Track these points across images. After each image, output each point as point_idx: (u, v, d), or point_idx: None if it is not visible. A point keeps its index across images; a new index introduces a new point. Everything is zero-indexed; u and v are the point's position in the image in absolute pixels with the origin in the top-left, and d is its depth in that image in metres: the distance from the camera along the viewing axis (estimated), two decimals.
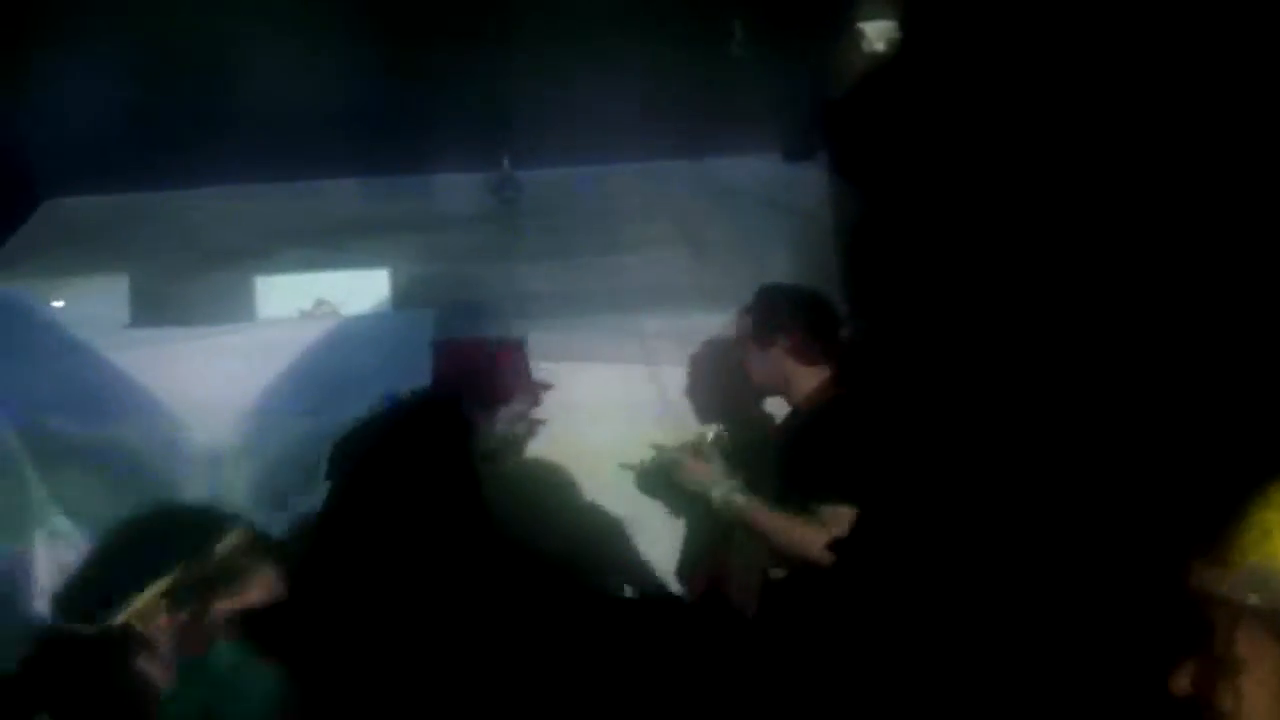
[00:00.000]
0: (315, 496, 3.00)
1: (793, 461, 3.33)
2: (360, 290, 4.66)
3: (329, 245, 4.81)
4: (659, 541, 4.11)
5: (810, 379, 3.46)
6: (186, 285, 4.77)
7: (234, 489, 3.83)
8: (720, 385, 4.16)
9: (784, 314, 3.47)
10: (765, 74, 4.25)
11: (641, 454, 3.81)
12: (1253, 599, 1.12)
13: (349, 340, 4.21)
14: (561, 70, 4.16)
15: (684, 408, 4.39)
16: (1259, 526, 1.17)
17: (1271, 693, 1.12)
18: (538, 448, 3.95)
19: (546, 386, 3.57)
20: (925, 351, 3.80)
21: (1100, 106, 3.03)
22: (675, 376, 4.54)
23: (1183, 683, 1.20)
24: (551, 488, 3.92)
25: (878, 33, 3.58)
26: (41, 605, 3.17)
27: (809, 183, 4.86)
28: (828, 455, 3.20)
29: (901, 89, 3.98)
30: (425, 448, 2.96)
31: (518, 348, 3.49)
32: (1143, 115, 2.91)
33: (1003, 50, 3.33)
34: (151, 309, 4.67)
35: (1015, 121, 3.38)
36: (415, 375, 3.62)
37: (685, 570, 3.94)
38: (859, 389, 3.44)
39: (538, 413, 3.68)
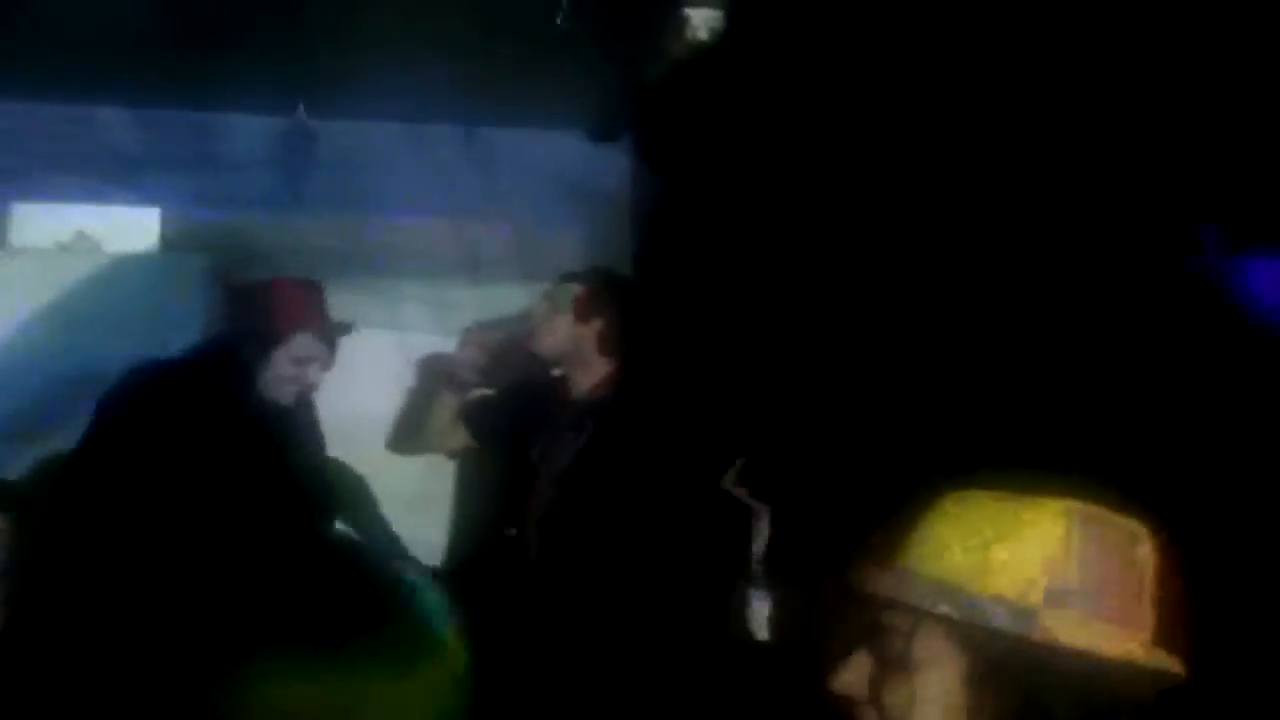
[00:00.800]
0: (65, 436, 2.92)
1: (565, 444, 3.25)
2: (127, 228, 4.36)
3: (96, 176, 4.54)
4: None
5: (603, 368, 3.38)
6: None
7: None
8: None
9: (610, 298, 3.39)
10: (581, 49, 4.18)
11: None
12: (943, 609, 1.18)
13: (111, 280, 4.01)
14: (369, 17, 4.01)
15: None
16: (936, 540, 1.23)
17: (946, 691, 1.19)
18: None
19: (345, 328, 3.25)
20: (713, 347, 3.82)
21: (931, 106, 2.97)
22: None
23: (846, 680, 1.25)
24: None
25: (703, 20, 3.50)
26: None
27: (611, 165, 4.75)
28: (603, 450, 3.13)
29: (718, 81, 3.96)
30: (184, 399, 2.88)
31: (309, 284, 3.20)
32: (968, 109, 2.87)
33: (828, 50, 3.28)
34: None
35: (832, 126, 3.37)
36: (183, 323, 3.44)
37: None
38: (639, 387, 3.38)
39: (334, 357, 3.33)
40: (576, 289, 3.35)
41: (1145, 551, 1.22)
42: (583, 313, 3.35)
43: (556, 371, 3.45)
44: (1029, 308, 2.62)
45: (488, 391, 3.62)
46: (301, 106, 4.42)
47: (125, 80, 4.36)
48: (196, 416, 2.90)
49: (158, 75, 4.31)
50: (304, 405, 3.23)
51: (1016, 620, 1.17)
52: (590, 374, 3.38)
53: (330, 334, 3.16)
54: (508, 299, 4.40)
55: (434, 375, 3.57)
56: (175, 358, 3.04)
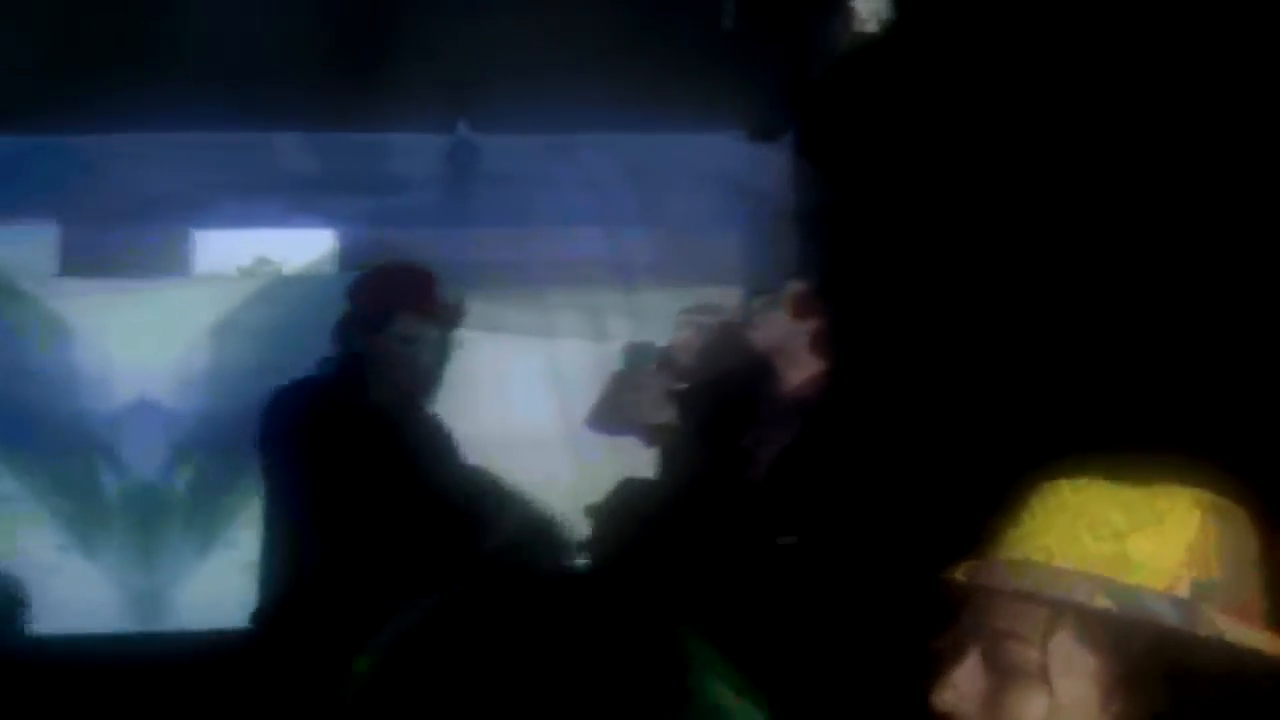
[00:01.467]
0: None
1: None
2: (304, 250, 4.43)
3: (273, 201, 4.60)
4: None
5: (813, 366, 3.39)
6: (120, 236, 4.53)
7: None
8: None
9: (825, 299, 3.41)
10: (742, 47, 4.10)
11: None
12: (1103, 602, 1.05)
13: (293, 301, 4.06)
14: (525, 34, 4.01)
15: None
16: (1062, 530, 1.10)
17: (1083, 700, 1.05)
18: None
19: (456, 311, 3.21)
20: (893, 350, 3.61)
21: (1099, 112, 2.93)
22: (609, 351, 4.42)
23: (953, 697, 1.10)
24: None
25: (870, 11, 3.43)
26: None
27: (773, 164, 4.72)
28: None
29: (885, 73, 3.77)
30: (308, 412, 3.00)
31: (412, 268, 3.20)
32: (1145, 115, 2.79)
33: (998, 41, 3.18)
34: (82, 259, 4.42)
35: (1002, 122, 3.23)
36: None
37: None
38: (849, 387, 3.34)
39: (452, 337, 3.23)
40: (796, 286, 3.37)
41: (1261, 539, 1.13)
42: (799, 311, 3.36)
43: (768, 365, 3.44)
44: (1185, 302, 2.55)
45: (698, 378, 3.63)
46: (463, 123, 4.45)
47: (294, 106, 4.45)
48: (320, 427, 2.96)
49: (325, 100, 4.39)
50: (424, 409, 3.23)
51: (1181, 614, 1.05)
52: (800, 371, 3.39)
53: (439, 316, 3.15)
54: (659, 305, 4.48)
55: (645, 357, 3.58)
56: (305, 376, 3.12)
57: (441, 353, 3.16)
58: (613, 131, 4.83)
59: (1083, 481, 1.14)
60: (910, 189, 3.68)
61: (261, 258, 4.39)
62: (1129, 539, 1.09)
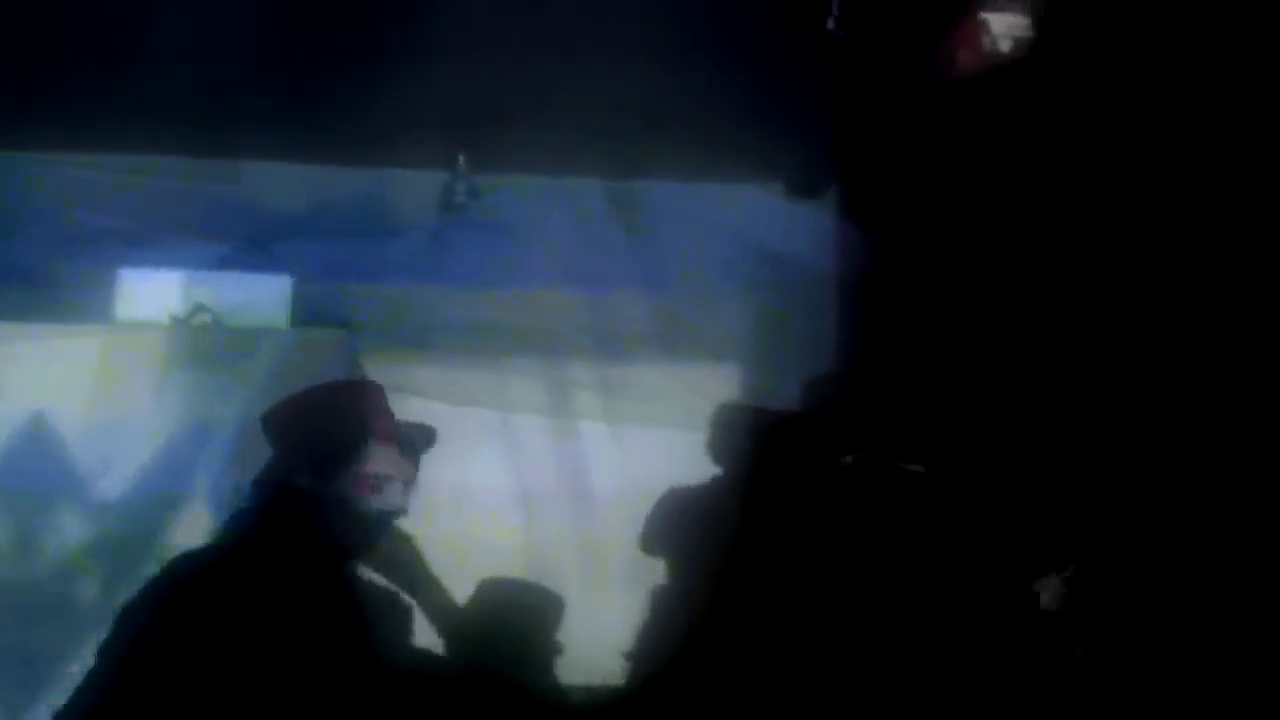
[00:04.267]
0: None
1: None
2: (252, 300, 3.79)
3: (218, 240, 4.03)
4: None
5: None
6: (36, 273, 3.99)
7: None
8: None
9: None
10: (774, 92, 3.69)
11: None
12: None
13: (232, 359, 3.49)
14: (532, 62, 3.55)
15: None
16: None
17: None
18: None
19: (421, 438, 2.59)
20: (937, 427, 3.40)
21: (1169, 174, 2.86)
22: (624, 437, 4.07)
23: None
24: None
25: (1006, 27, 2.81)
26: None
27: (813, 223, 4.26)
28: None
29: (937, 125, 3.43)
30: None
31: (371, 389, 2.58)
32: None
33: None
34: None
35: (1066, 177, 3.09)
36: None
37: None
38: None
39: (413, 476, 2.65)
40: None
41: None
42: None
43: None
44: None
45: None
46: (462, 159, 3.83)
47: (251, 131, 3.89)
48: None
49: (294, 125, 3.85)
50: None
51: None
52: None
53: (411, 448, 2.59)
54: (640, 378, 4.15)
55: None
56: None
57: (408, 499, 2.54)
58: (625, 179, 4.33)
59: None
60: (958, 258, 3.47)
61: (199, 304, 3.73)
62: None
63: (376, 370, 3.87)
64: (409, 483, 2.53)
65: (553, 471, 4.04)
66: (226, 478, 3.31)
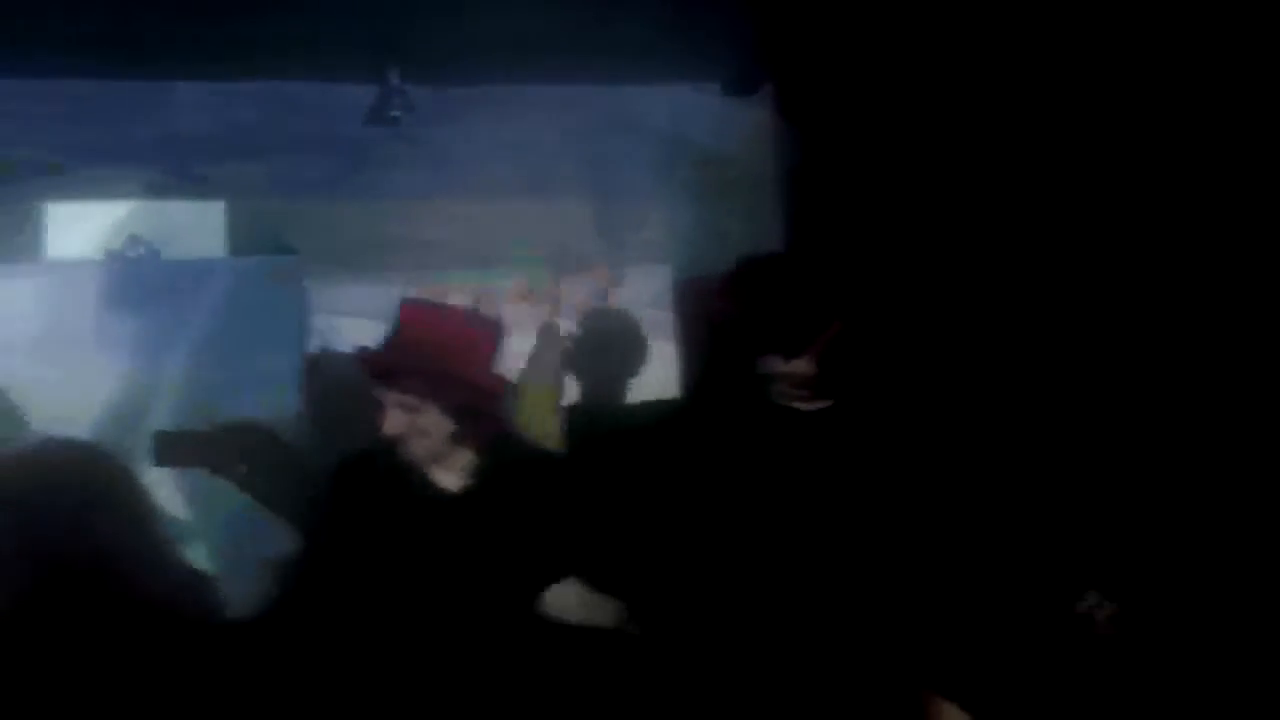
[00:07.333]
0: None
1: None
2: (188, 228, 3.71)
3: (148, 166, 3.93)
4: None
5: None
6: None
7: None
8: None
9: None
10: None
11: None
12: None
13: (174, 292, 3.41)
14: None
15: None
16: None
17: None
18: None
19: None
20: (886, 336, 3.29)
21: (1086, 69, 2.99)
22: None
23: None
24: None
25: None
26: None
27: (748, 122, 4.21)
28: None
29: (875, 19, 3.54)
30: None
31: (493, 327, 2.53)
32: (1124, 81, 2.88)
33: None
34: None
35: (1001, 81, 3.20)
36: (267, 339, 2.83)
37: None
38: None
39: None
40: None
41: None
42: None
43: None
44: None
45: None
46: (394, 72, 3.74)
47: (182, 48, 3.73)
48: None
49: (221, 42, 3.70)
50: None
51: None
52: None
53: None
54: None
55: None
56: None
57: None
58: (556, 84, 4.26)
59: None
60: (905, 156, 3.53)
61: (133, 236, 3.63)
62: None
63: (316, 292, 3.85)
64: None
65: None
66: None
